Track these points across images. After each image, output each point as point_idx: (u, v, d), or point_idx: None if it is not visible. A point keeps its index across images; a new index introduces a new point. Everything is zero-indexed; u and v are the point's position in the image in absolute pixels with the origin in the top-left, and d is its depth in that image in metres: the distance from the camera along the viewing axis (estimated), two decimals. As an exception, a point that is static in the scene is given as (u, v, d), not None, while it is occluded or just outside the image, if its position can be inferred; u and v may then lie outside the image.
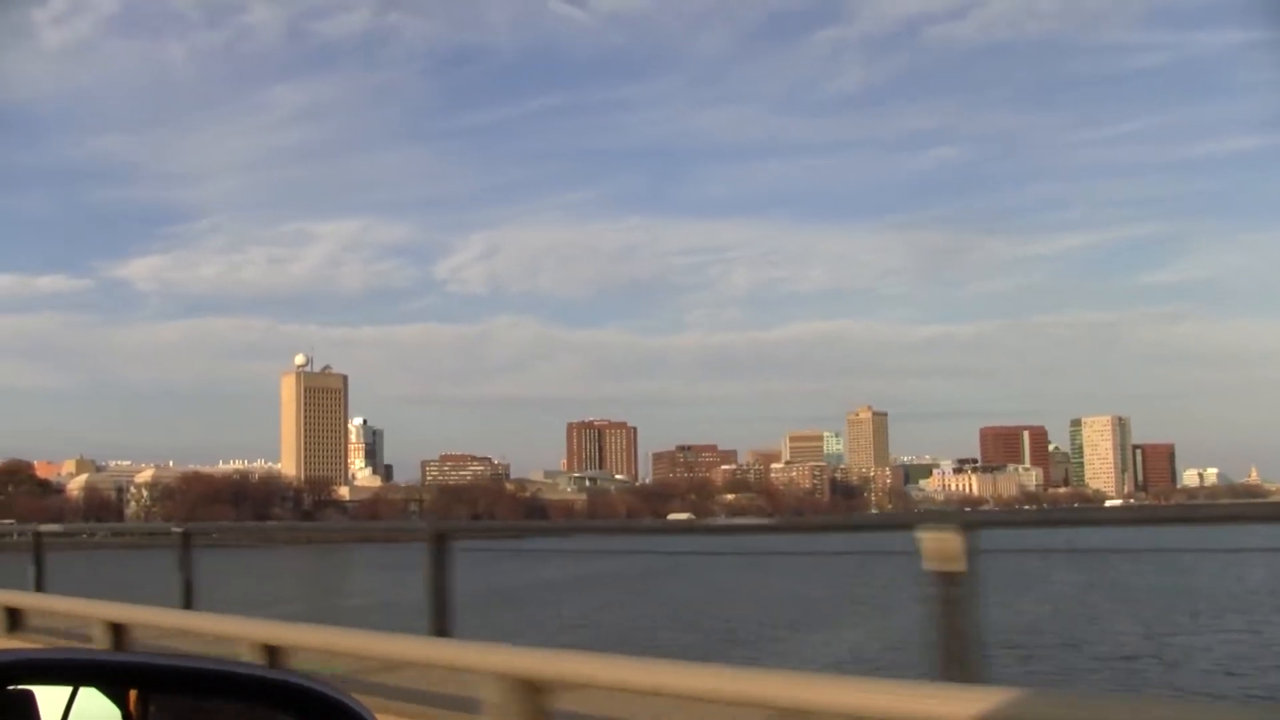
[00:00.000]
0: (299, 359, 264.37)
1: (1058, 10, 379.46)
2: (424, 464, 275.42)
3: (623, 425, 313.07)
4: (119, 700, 2.67)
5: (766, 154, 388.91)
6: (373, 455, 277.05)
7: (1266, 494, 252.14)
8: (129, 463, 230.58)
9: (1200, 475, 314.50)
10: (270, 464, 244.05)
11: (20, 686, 2.52)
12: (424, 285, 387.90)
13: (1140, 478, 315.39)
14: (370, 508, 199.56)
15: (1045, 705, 5.32)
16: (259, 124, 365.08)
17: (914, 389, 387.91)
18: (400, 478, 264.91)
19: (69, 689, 2.63)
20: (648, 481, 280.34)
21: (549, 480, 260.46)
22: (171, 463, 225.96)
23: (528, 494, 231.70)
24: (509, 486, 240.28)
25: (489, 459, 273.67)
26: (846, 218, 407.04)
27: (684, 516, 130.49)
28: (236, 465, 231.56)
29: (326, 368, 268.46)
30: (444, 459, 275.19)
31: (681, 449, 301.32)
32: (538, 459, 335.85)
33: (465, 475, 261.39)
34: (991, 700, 4.99)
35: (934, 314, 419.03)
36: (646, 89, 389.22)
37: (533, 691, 6.67)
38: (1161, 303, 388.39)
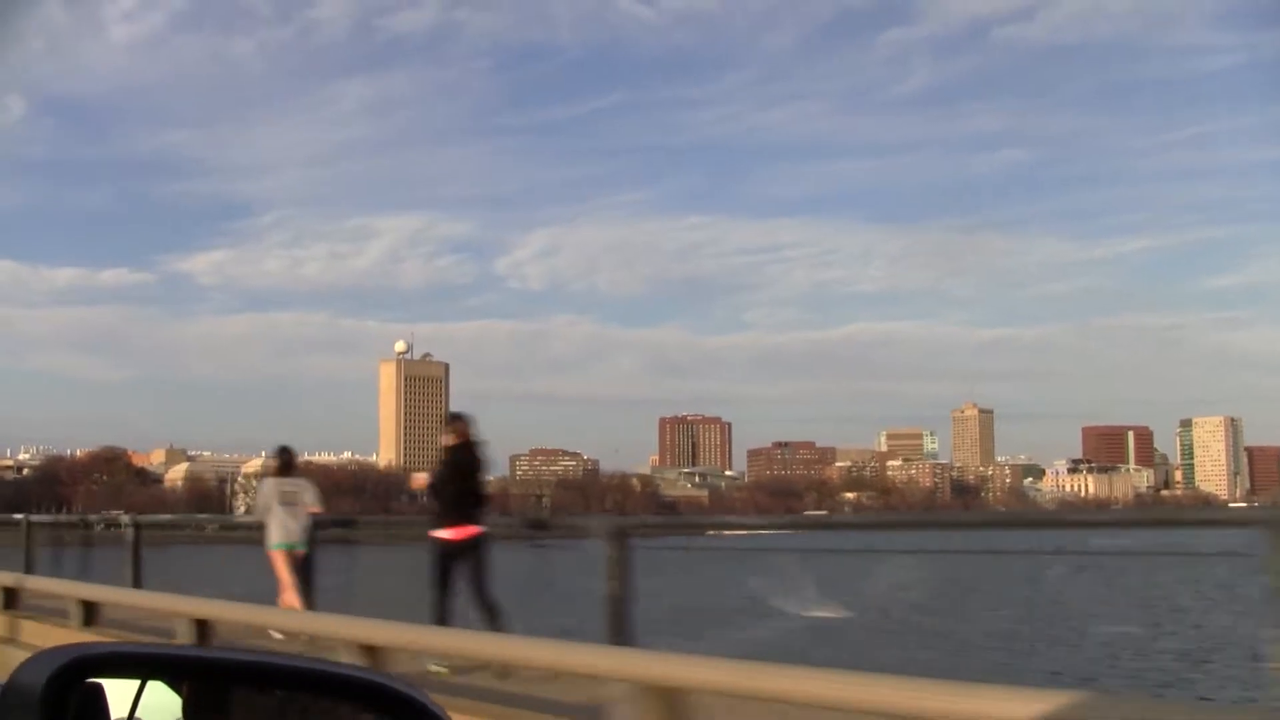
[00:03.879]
0: (399, 346, 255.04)
1: (1127, 11, 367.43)
2: (513, 458, 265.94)
3: (716, 421, 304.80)
4: (188, 694, 2.63)
5: (830, 153, 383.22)
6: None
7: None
8: (229, 454, 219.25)
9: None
10: (361, 456, 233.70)
11: (91, 679, 2.44)
12: (484, 281, 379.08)
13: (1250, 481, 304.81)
14: (498, 502, 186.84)
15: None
16: (324, 118, 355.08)
17: (980, 391, 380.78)
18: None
19: (137, 682, 2.57)
20: (741, 478, 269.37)
21: (661, 476, 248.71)
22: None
23: (648, 490, 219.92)
24: (634, 482, 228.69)
25: (579, 454, 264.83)
26: (909, 218, 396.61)
27: (821, 513, 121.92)
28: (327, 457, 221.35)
29: (427, 355, 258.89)
30: (534, 453, 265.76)
31: (779, 445, 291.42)
32: (621, 455, 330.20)
33: (556, 470, 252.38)
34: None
35: (997, 316, 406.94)
36: (711, 87, 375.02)
37: (669, 701, 6.37)
38: (1225, 308, 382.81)
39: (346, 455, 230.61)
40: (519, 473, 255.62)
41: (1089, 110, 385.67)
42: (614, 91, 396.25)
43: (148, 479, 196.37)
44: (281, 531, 13.48)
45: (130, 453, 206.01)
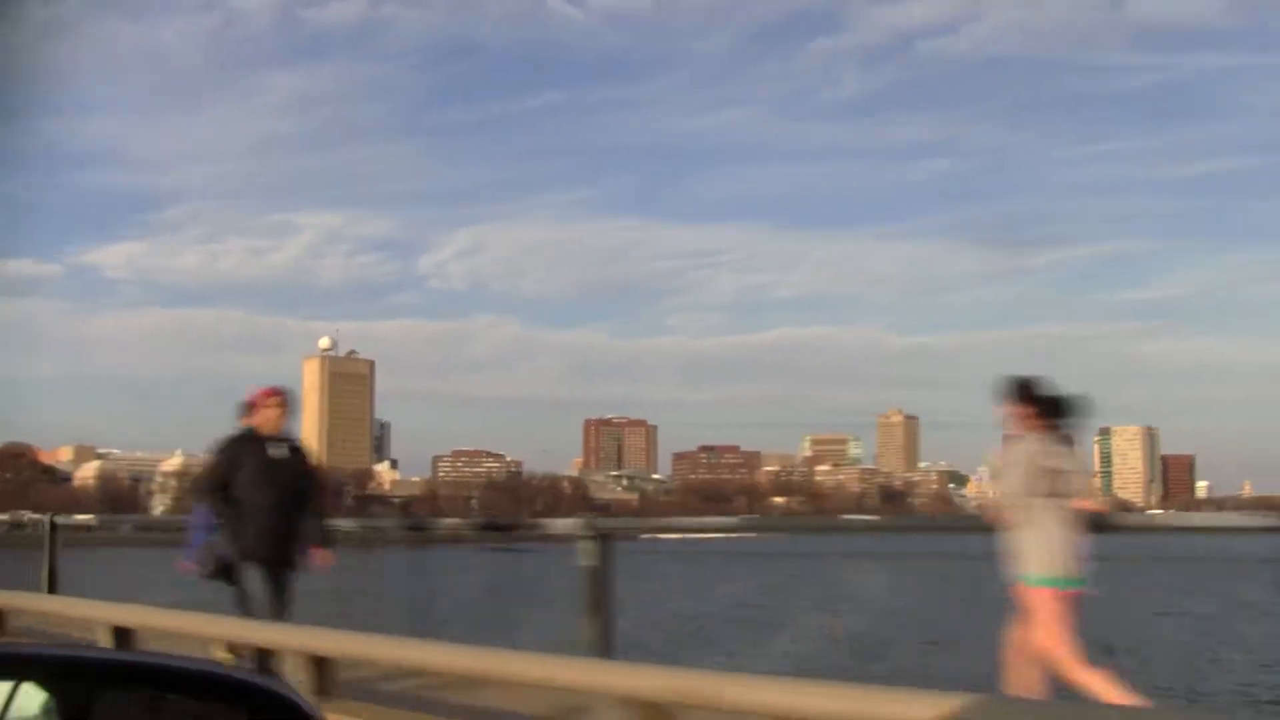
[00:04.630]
0: (324, 342, 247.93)
1: (1048, 28, 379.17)
2: (435, 459, 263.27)
3: (642, 424, 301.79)
4: (59, 695, 2.60)
5: (760, 159, 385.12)
6: (379, 448, 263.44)
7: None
8: (141, 452, 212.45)
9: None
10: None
11: None
12: (406, 280, 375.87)
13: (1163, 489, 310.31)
14: (429, 504, 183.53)
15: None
16: (245, 111, 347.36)
17: (902, 398, 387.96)
18: (406, 473, 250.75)
19: (9, 684, 2.55)
20: (669, 482, 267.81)
21: (589, 478, 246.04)
22: (193, 452, 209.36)
23: (579, 492, 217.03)
24: (565, 484, 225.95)
25: (503, 455, 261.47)
26: (836, 225, 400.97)
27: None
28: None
29: (352, 352, 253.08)
30: (456, 454, 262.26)
31: (704, 449, 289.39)
32: (546, 457, 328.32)
33: (479, 471, 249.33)
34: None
35: (918, 324, 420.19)
36: (643, 90, 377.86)
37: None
38: (1140, 318, 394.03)
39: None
40: (441, 473, 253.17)
41: (1012, 123, 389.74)
42: (545, 91, 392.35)
43: (57, 476, 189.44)
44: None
45: (36, 449, 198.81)
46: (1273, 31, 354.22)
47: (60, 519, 15.68)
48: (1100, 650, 8.05)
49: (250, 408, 9.51)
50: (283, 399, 9.49)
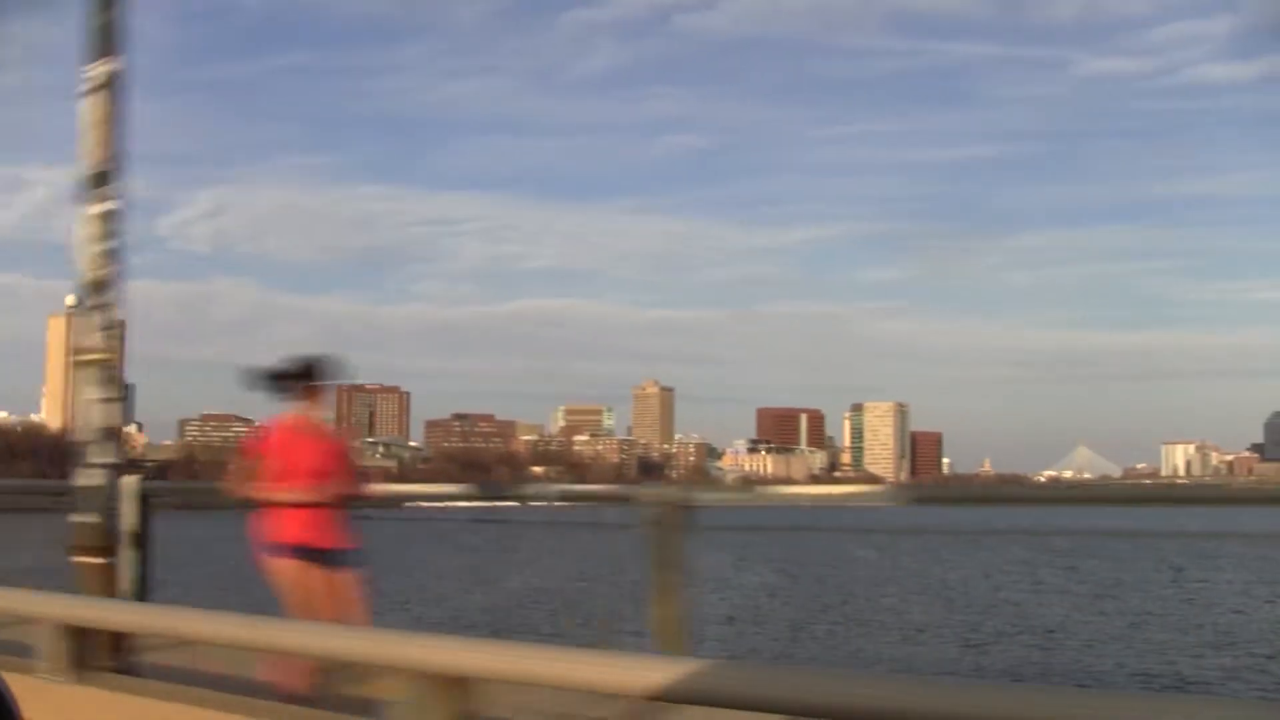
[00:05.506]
0: (70, 299, 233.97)
1: (805, 9, 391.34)
2: (183, 423, 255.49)
3: (395, 390, 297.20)
4: None
5: (513, 129, 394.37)
6: (125, 412, 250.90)
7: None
8: None
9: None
10: (24, 416, 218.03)
11: None
12: (146, 240, 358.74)
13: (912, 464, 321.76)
14: (186, 469, 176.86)
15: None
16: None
17: (653, 372, 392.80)
18: (152, 437, 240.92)
19: None
20: (424, 450, 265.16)
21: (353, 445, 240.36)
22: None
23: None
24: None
25: (252, 420, 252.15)
26: (587, 198, 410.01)
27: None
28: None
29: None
30: (206, 418, 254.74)
31: (458, 417, 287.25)
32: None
33: (228, 436, 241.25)
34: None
35: (664, 298, 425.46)
36: (394, 56, 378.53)
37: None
38: (882, 299, 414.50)
39: (2, 415, 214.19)
40: (188, 437, 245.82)
41: (765, 102, 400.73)
42: (294, 52, 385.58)
43: None
44: None
45: None
46: (1021, 23, 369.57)
47: None
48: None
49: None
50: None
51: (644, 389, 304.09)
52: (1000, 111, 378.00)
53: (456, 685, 5.38)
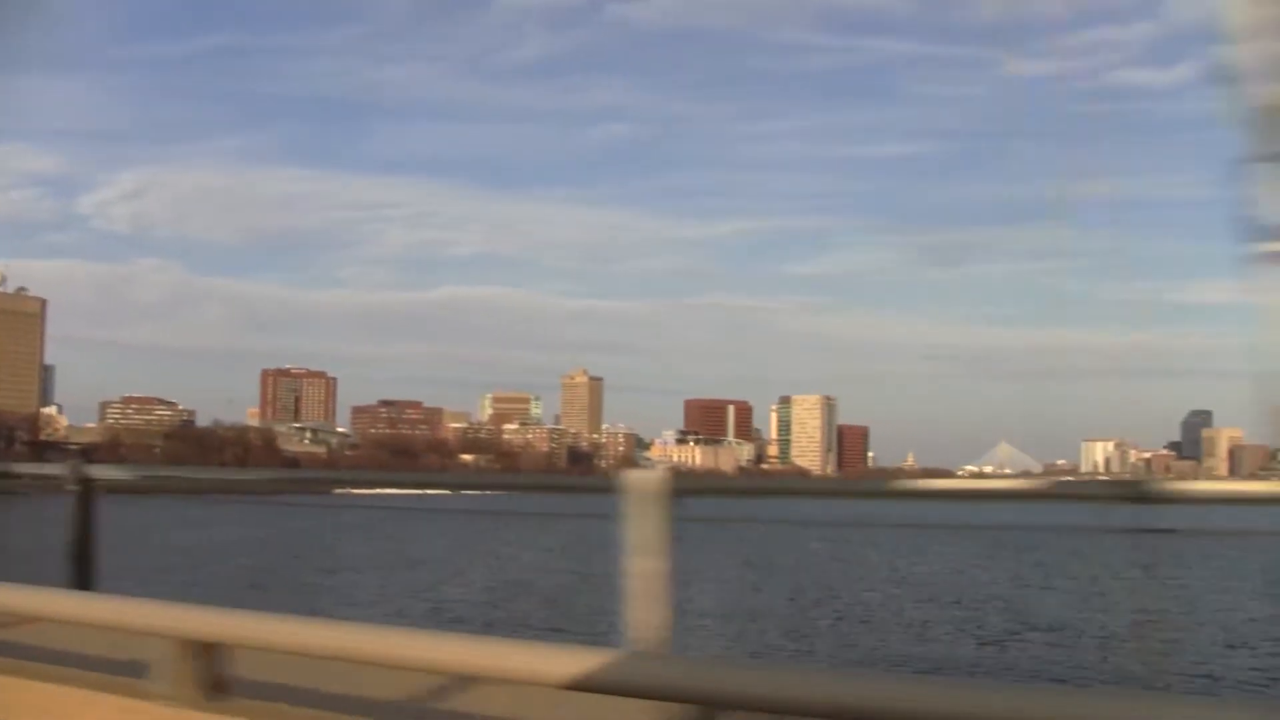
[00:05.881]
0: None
1: (738, 3, 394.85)
2: (104, 405, 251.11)
3: (321, 376, 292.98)
4: None
5: (441, 116, 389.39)
6: (44, 393, 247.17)
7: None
8: None
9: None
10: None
11: None
12: (67, 219, 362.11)
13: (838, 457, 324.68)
14: (110, 451, 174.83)
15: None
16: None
17: (580, 362, 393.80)
18: (73, 419, 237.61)
19: None
20: (352, 436, 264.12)
21: (274, 430, 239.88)
22: None
23: (269, 444, 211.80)
24: (252, 435, 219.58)
25: (175, 404, 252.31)
26: (515, 186, 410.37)
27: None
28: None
29: (21, 289, 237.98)
30: (127, 401, 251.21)
31: (385, 404, 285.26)
32: (231, 406, 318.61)
33: (151, 420, 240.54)
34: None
35: (590, 289, 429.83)
36: (322, 38, 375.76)
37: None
38: (809, 293, 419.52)
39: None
40: (110, 420, 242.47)
41: (696, 94, 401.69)
42: (221, 32, 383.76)
43: None
44: None
45: None
46: (946, 23, 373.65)
47: None
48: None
49: None
50: None
51: (573, 378, 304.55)
52: (927, 109, 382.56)
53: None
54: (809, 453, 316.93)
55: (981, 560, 44.61)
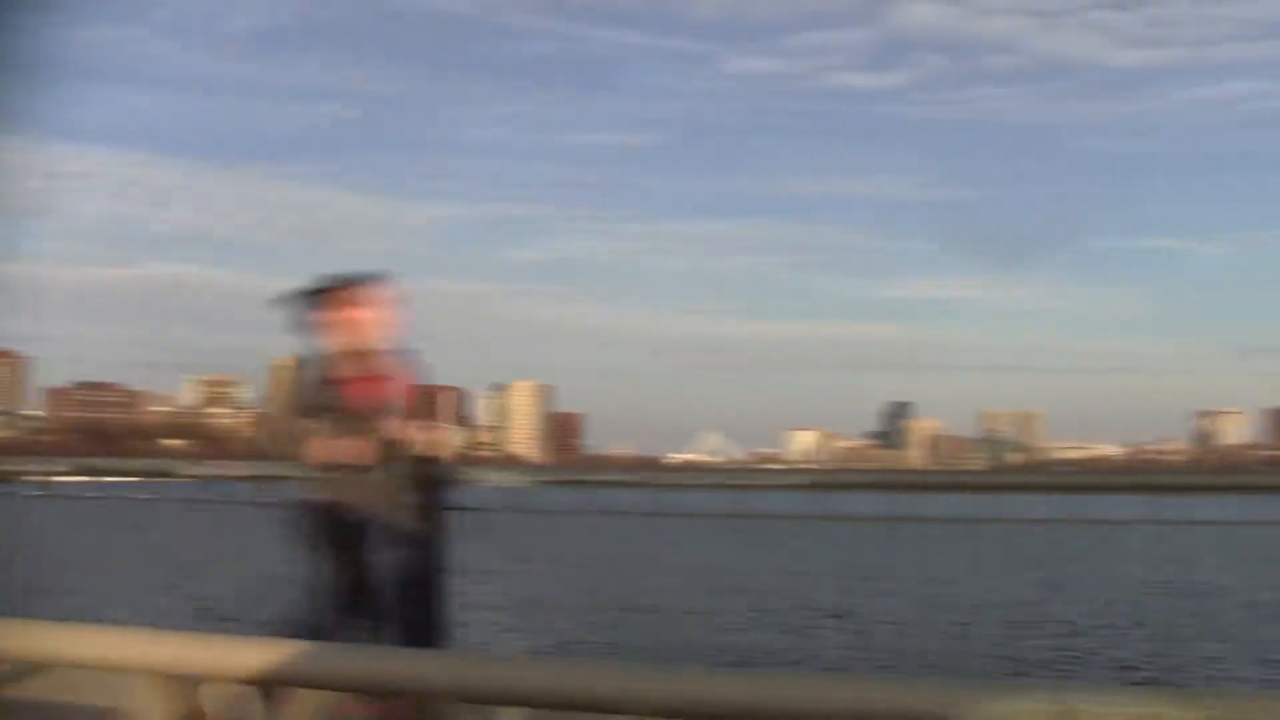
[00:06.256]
0: None
1: None
2: None
3: (8, 355, 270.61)
4: None
5: (145, 84, 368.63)
6: None
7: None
8: None
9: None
10: None
11: None
12: None
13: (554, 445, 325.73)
14: None
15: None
16: None
17: (285, 344, 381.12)
18: None
19: None
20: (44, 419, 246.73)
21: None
22: None
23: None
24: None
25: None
26: (222, 161, 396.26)
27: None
28: None
29: None
30: None
31: (82, 386, 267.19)
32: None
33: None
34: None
35: (300, 269, 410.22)
36: None
37: None
38: (527, 280, 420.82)
39: None
40: None
41: (417, 75, 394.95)
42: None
43: None
44: None
45: None
46: (669, 15, 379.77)
47: None
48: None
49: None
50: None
51: (282, 362, 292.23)
52: (651, 101, 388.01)
53: None
54: (525, 439, 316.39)
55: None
